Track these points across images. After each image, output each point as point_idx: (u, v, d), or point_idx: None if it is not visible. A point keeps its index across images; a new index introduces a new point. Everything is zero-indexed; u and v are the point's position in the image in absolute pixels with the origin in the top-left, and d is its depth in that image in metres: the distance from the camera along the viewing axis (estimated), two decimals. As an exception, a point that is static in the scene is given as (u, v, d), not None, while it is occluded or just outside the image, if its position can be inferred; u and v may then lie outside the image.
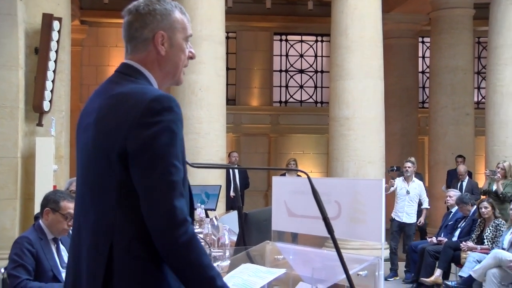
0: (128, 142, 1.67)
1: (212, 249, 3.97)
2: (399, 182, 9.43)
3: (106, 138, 1.72)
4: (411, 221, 9.20)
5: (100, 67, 15.98)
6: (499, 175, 9.34)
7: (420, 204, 9.40)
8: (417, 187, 9.39)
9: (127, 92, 1.75)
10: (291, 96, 17.17)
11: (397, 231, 9.24)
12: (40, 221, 3.82)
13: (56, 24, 7.94)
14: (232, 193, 10.98)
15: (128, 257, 1.69)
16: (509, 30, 10.58)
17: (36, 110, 7.90)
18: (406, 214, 9.20)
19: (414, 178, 9.48)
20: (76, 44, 14.24)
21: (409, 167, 9.43)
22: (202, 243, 1.82)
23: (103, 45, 15.96)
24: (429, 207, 9.52)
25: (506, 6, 10.61)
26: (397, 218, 9.28)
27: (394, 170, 9.90)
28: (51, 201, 3.76)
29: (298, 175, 9.37)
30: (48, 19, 7.87)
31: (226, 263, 2.73)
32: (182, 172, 1.71)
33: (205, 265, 1.66)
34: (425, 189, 9.75)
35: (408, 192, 9.26)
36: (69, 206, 3.67)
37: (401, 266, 8.98)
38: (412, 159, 9.77)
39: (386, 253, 10.17)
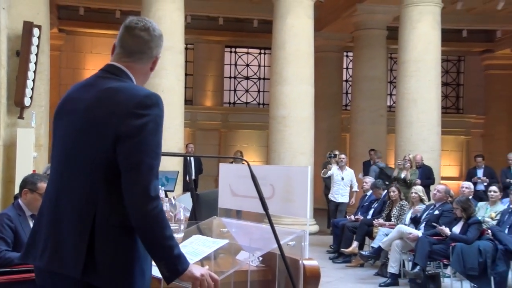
0: (121, 127, 1.67)
1: (169, 224, 3.93)
2: (335, 170, 9.64)
3: (100, 123, 1.71)
4: (345, 201, 9.53)
5: (76, 70, 15.61)
6: (408, 164, 9.62)
7: (351, 187, 9.66)
8: (349, 174, 9.67)
9: (118, 87, 1.76)
10: (239, 98, 17.19)
11: (334, 210, 9.48)
12: (19, 200, 3.69)
13: (36, 31, 7.67)
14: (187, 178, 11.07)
15: (107, 226, 1.69)
16: (413, 49, 10.74)
17: (17, 105, 7.65)
18: (341, 195, 9.50)
19: (346, 167, 9.78)
20: (55, 49, 13.87)
21: (343, 158, 9.80)
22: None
23: (79, 51, 15.58)
24: (358, 190, 9.74)
25: (411, 29, 10.78)
26: (333, 199, 9.57)
27: (332, 156, 10.13)
28: (29, 183, 3.64)
29: (243, 163, 9.37)
30: (28, 26, 7.59)
31: (180, 235, 2.70)
32: (160, 158, 1.73)
33: (167, 236, 1.67)
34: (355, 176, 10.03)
35: (342, 178, 9.53)
36: (46, 186, 3.54)
37: (329, 239, 9.07)
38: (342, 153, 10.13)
39: (314, 228, 10.35)
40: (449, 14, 12.70)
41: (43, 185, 3.59)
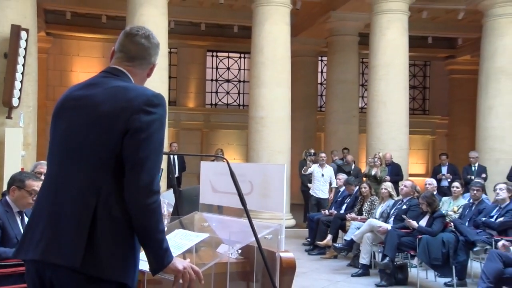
0: (131, 122, 1.66)
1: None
2: (315, 167, 9.68)
3: (111, 118, 1.68)
4: (325, 196, 9.53)
5: (64, 72, 15.36)
6: (379, 162, 9.70)
7: (330, 184, 9.68)
8: (329, 171, 9.71)
9: (126, 86, 1.75)
10: (220, 100, 17.11)
11: (315, 204, 9.46)
12: (7, 197, 3.60)
13: (23, 34, 7.54)
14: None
15: (110, 217, 1.66)
16: (383, 54, 10.82)
17: (5, 105, 7.51)
18: (322, 191, 9.52)
19: (326, 165, 9.84)
20: (42, 52, 13.63)
21: (324, 157, 9.87)
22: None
23: (66, 53, 15.32)
24: (337, 186, 9.80)
25: (380, 36, 10.86)
26: (314, 195, 9.57)
27: (311, 154, 10.21)
28: (17, 180, 3.56)
29: (223, 161, 9.35)
30: (16, 29, 7.46)
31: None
32: (162, 155, 1.73)
33: (160, 229, 1.67)
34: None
35: (322, 175, 9.57)
36: (33, 184, 3.48)
37: (304, 232, 9.06)
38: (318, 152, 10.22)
39: (291, 222, 10.39)
40: (416, 22, 12.85)
41: (31, 183, 3.52)
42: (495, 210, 6.63)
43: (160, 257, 1.68)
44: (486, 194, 7.66)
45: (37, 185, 3.42)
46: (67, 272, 1.64)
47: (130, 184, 1.64)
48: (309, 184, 10.43)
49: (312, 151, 10.48)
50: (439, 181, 10.34)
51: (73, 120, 1.75)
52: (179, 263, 1.71)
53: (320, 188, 9.56)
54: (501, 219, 6.42)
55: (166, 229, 2.65)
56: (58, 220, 1.68)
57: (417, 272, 6.24)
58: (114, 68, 1.83)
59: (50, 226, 1.69)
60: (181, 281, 1.71)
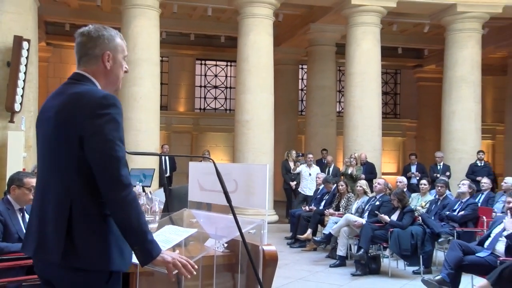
0: (84, 128, 1.64)
1: (146, 215, 3.85)
2: (303, 167, 9.79)
3: (67, 126, 1.67)
4: (312, 193, 9.46)
5: (63, 79, 14.49)
6: (354, 161, 9.76)
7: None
8: (315, 171, 9.74)
9: (81, 92, 1.71)
10: (208, 105, 17.04)
11: (302, 201, 9.45)
12: (8, 196, 3.56)
13: (25, 44, 7.44)
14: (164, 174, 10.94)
15: (83, 214, 1.66)
16: (358, 63, 10.87)
17: (8, 110, 7.41)
18: (309, 189, 9.54)
19: (313, 165, 9.94)
20: (43, 60, 13.59)
21: (311, 158, 9.99)
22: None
23: (65, 62, 15.14)
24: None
25: (356, 46, 10.85)
26: (302, 192, 9.65)
27: (300, 155, 10.33)
28: (16, 180, 3.53)
29: (210, 162, 9.32)
30: (18, 40, 7.36)
31: (155, 225, 2.66)
32: (125, 150, 1.70)
33: (142, 222, 1.65)
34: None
35: (310, 174, 9.62)
36: (31, 181, 3.46)
37: (287, 227, 9.05)
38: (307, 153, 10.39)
39: (274, 218, 10.37)
40: (387, 34, 12.98)
41: (29, 180, 3.49)
42: (457, 205, 6.73)
43: (146, 249, 1.66)
44: (449, 190, 7.77)
45: (34, 181, 3.38)
46: (54, 266, 1.69)
47: (100, 183, 1.64)
48: (291, 183, 10.45)
49: (294, 152, 10.52)
50: (409, 179, 10.43)
51: (44, 131, 1.78)
52: (168, 256, 1.70)
53: (308, 186, 9.60)
54: (462, 212, 6.53)
55: (157, 225, 2.64)
56: (43, 222, 1.73)
57: (389, 262, 6.29)
58: (76, 73, 1.81)
59: (38, 229, 1.75)
60: (175, 271, 1.70)
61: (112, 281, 1.70)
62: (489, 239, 4.71)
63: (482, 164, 10.57)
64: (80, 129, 1.64)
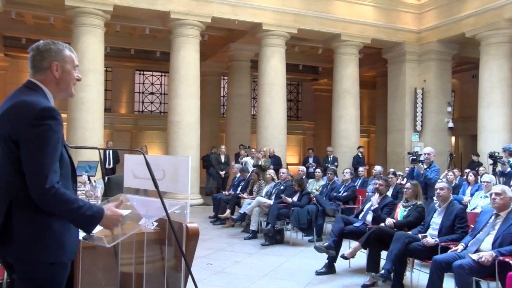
0: (21, 135, 1.53)
1: (89, 200, 3.70)
2: (248, 159, 9.83)
3: (8, 130, 1.56)
4: None
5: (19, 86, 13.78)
6: (262, 154, 9.99)
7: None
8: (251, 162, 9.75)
9: (26, 100, 1.58)
10: (146, 108, 16.49)
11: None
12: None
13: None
14: (108, 165, 10.74)
15: (22, 210, 1.55)
16: (268, 76, 11.09)
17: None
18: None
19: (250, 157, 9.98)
20: (1, 69, 12.95)
21: (254, 151, 9.98)
22: (83, 197, 1.71)
23: (22, 71, 13.91)
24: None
25: (266, 62, 11.04)
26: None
27: (245, 147, 10.54)
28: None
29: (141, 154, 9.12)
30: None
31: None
32: (57, 158, 1.57)
33: (71, 202, 1.55)
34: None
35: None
36: None
37: (210, 209, 8.98)
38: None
39: (199, 201, 10.32)
40: (291, 54, 13.40)
41: None
42: (342, 188, 7.21)
43: (85, 224, 1.60)
44: (337, 176, 8.29)
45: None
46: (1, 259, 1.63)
47: (29, 186, 1.52)
48: (220, 172, 10.57)
49: (222, 147, 10.74)
50: (307, 168, 10.95)
51: None
52: (107, 221, 1.65)
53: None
54: (345, 193, 7.02)
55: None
56: None
57: (290, 234, 6.53)
58: (29, 81, 1.69)
59: None
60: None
61: (55, 271, 1.59)
62: (362, 213, 5.13)
63: (361, 157, 11.41)
64: (18, 134, 1.53)
